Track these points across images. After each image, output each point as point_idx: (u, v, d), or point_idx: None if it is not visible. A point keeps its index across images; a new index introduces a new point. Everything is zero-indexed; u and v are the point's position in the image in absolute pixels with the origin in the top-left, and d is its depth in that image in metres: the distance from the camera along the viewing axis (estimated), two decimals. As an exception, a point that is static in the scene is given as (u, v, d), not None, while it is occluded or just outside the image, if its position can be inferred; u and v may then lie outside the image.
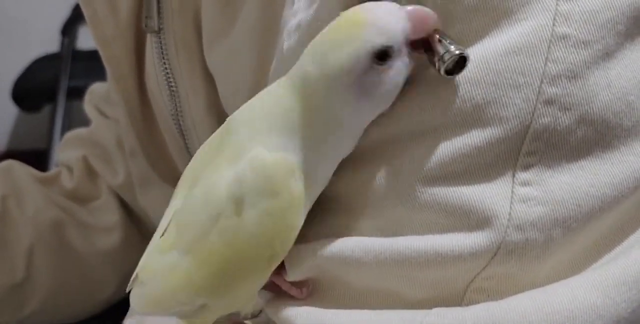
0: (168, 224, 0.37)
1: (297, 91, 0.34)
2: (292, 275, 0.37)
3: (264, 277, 0.36)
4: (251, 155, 0.34)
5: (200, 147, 0.38)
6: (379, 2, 0.33)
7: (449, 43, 0.32)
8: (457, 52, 0.32)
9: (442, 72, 0.32)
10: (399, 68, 0.33)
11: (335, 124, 0.34)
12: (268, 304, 0.39)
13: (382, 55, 0.32)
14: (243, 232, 0.34)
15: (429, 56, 0.33)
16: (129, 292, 0.39)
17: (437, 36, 0.33)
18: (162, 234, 0.37)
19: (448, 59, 0.32)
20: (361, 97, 0.33)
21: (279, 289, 0.38)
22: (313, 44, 0.34)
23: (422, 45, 0.33)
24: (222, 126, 0.37)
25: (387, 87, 0.33)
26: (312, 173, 0.35)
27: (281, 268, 0.38)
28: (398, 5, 0.33)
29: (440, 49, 0.32)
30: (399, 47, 0.33)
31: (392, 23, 0.32)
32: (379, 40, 0.32)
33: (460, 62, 0.33)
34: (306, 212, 0.36)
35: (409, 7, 0.33)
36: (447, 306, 0.35)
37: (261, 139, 0.35)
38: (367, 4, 0.33)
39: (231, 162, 0.35)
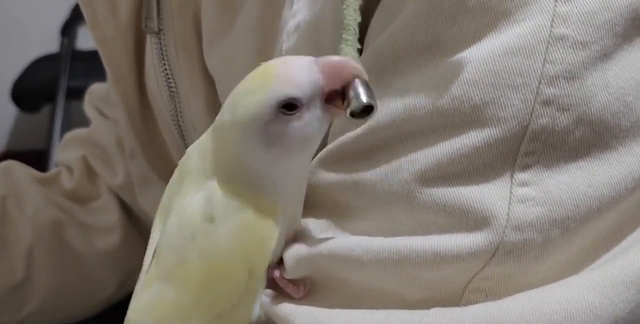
0: (151, 260, 0.38)
1: (214, 138, 0.35)
2: (291, 273, 0.37)
3: (251, 291, 0.36)
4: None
5: (169, 182, 0.39)
6: (297, 56, 0.34)
7: (364, 91, 0.32)
8: (364, 102, 0.32)
9: (347, 115, 0.33)
10: (309, 120, 0.33)
11: (250, 171, 0.34)
12: (268, 303, 0.39)
13: (289, 106, 0.33)
14: (219, 248, 0.35)
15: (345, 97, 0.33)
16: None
17: (356, 81, 0.33)
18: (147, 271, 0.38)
19: (354, 107, 0.32)
20: (269, 146, 0.34)
21: (277, 289, 0.38)
22: (232, 93, 0.35)
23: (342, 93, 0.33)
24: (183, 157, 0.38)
25: (295, 136, 0.34)
26: (280, 189, 0.35)
27: (280, 265, 0.38)
28: (314, 59, 0.33)
29: (351, 94, 0.33)
30: (308, 99, 0.33)
31: (302, 76, 0.33)
32: (285, 91, 0.33)
33: (368, 110, 0.33)
34: (289, 224, 0.37)
35: (323, 59, 0.33)
36: (445, 306, 0.35)
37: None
38: (285, 56, 0.35)
39: (197, 186, 0.36)
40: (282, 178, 0.35)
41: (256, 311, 0.37)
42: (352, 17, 0.35)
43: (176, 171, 0.39)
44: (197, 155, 0.37)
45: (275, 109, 0.33)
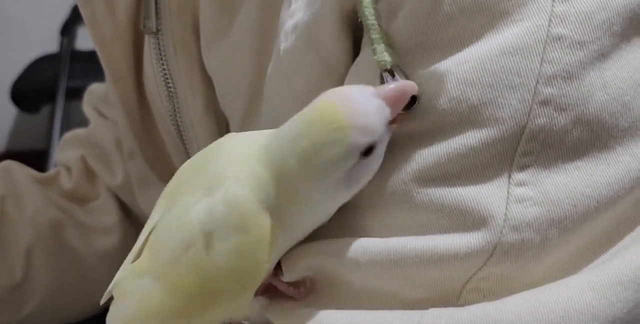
0: (145, 241, 0.38)
1: (273, 173, 0.34)
2: (289, 275, 0.37)
3: (241, 301, 0.36)
4: (225, 188, 0.35)
5: (188, 161, 0.38)
6: (352, 90, 0.33)
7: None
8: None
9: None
10: (382, 151, 0.34)
11: (308, 208, 0.35)
12: (267, 306, 0.39)
13: (368, 151, 0.33)
14: (212, 266, 0.35)
15: None
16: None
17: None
18: (140, 251, 0.38)
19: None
20: (349, 188, 0.34)
21: (276, 291, 0.38)
22: (293, 137, 0.34)
23: None
24: (213, 144, 0.38)
25: (373, 170, 0.35)
26: (287, 223, 0.35)
27: (278, 270, 0.38)
28: (372, 90, 0.33)
29: None
30: (381, 137, 0.33)
31: (374, 120, 0.33)
32: (364, 140, 0.33)
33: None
34: (281, 252, 0.37)
35: (385, 90, 0.33)
36: (443, 306, 0.35)
37: (236, 176, 0.35)
38: (340, 91, 0.33)
39: (205, 190, 0.36)
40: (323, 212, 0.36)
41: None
42: (373, 15, 0.35)
43: (206, 149, 0.38)
44: (230, 160, 0.36)
45: (357, 157, 0.33)
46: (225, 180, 0.35)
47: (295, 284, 0.38)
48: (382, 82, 0.34)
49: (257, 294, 0.38)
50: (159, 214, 0.38)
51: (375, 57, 0.34)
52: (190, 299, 0.36)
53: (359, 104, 0.32)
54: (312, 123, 0.33)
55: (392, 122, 0.34)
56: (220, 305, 0.36)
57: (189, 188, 0.37)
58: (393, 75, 0.34)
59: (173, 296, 0.36)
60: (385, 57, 0.35)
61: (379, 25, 0.35)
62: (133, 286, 0.37)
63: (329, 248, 0.36)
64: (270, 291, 0.38)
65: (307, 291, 0.37)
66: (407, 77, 0.34)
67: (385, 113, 0.33)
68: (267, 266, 0.36)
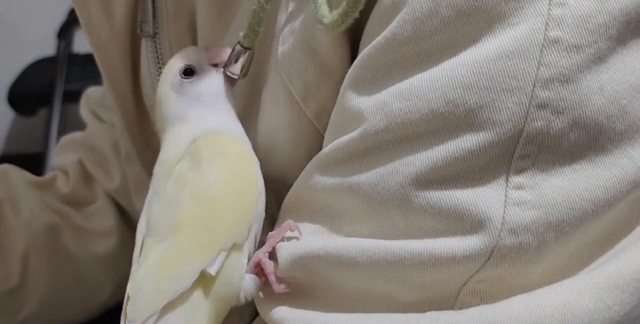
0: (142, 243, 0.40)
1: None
2: (284, 271, 0.38)
3: (246, 229, 0.40)
4: (189, 140, 0.42)
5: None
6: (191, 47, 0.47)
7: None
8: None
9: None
10: (209, 79, 0.44)
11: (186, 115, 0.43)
12: (261, 306, 0.39)
13: (187, 72, 0.44)
14: (210, 188, 0.39)
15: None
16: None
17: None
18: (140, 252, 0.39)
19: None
20: (186, 98, 0.44)
21: (260, 273, 0.39)
22: None
23: None
24: None
25: (200, 91, 0.44)
26: (237, 133, 0.43)
27: (274, 259, 0.38)
28: (196, 47, 0.47)
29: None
30: (200, 67, 0.44)
31: (192, 54, 0.45)
32: (180, 63, 0.44)
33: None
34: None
35: (208, 47, 0.45)
36: (439, 308, 0.35)
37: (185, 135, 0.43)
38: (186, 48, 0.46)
39: (178, 155, 0.42)
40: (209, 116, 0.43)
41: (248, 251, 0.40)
42: None
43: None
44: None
45: (179, 75, 0.44)
46: (183, 145, 0.42)
47: (280, 280, 0.38)
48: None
49: (248, 270, 0.39)
50: (143, 224, 0.41)
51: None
52: (201, 230, 0.38)
53: (185, 49, 0.46)
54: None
55: (216, 65, 0.45)
56: (230, 227, 0.39)
57: (157, 181, 0.42)
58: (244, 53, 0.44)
59: (185, 238, 0.38)
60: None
61: None
62: (144, 268, 0.39)
63: (326, 247, 0.36)
64: (257, 272, 0.39)
65: (287, 289, 0.38)
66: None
67: (203, 54, 0.45)
68: (260, 181, 0.41)
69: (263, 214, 0.41)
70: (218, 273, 0.38)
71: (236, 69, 0.44)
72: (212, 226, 0.39)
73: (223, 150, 0.41)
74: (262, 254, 0.39)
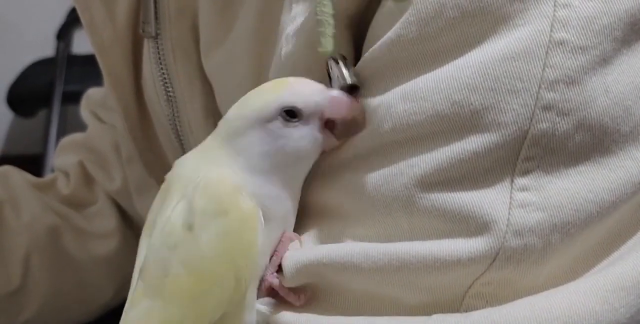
0: (137, 279, 0.37)
1: (221, 134, 0.38)
2: (291, 281, 0.37)
3: (240, 299, 0.36)
4: (199, 176, 0.36)
5: (153, 203, 0.39)
6: (311, 81, 0.38)
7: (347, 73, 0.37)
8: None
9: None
10: (304, 133, 0.37)
11: (252, 158, 0.37)
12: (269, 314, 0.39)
13: (290, 114, 0.36)
14: (202, 256, 0.35)
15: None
16: None
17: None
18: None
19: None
20: (265, 144, 0.37)
21: (277, 294, 0.38)
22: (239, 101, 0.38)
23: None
24: (164, 182, 0.39)
25: (286, 144, 0.37)
26: (265, 194, 0.37)
27: (279, 274, 0.37)
28: (324, 87, 0.37)
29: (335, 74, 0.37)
30: (308, 114, 0.36)
31: (310, 93, 0.36)
32: (290, 100, 0.36)
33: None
34: (279, 230, 0.37)
35: (334, 92, 0.37)
36: (445, 311, 0.35)
37: (206, 167, 0.37)
38: (303, 78, 0.38)
39: (180, 195, 0.37)
40: (268, 183, 0.37)
41: (250, 321, 0.37)
42: (327, 12, 0.36)
43: (162, 188, 0.39)
44: (185, 166, 0.38)
45: (277, 111, 0.36)
46: (196, 177, 0.36)
47: (295, 290, 0.37)
48: (327, 68, 0.37)
49: (259, 295, 0.38)
50: (144, 248, 0.38)
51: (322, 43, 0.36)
52: (188, 305, 0.35)
53: (307, 82, 0.37)
54: (265, 84, 0.38)
55: (329, 126, 0.37)
56: (222, 305, 0.36)
57: (163, 208, 0.37)
58: (337, 63, 0.37)
59: (174, 308, 0.35)
60: (329, 46, 0.36)
61: (327, 21, 0.37)
62: (130, 319, 0.36)
63: (330, 254, 0.36)
64: (273, 296, 0.38)
65: (306, 299, 0.37)
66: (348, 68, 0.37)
67: (323, 101, 0.36)
68: (257, 247, 0.36)
69: (269, 253, 0.38)
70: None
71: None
72: (200, 299, 0.35)
73: (221, 204, 0.36)
74: (270, 276, 0.37)
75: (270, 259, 0.38)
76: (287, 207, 0.38)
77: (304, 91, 0.37)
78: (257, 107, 0.37)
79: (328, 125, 0.37)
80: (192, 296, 0.35)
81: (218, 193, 0.36)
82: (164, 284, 0.36)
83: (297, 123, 0.36)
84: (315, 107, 0.36)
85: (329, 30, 0.36)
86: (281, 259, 0.38)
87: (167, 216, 0.37)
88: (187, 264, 0.35)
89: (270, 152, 0.37)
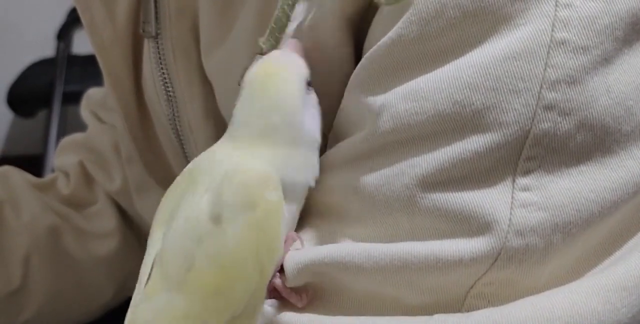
0: (150, 272, 0.37)
1: (254, 141, 0.38)
2: (292, 281, 0.37)
3: (261, 293, 0.36)
4: (227, 168, 0.36)
5: (165, 195, 0.39)
6: (279, 52, 0.39)
7: None
8: None
9: None
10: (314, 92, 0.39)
11: (294, 134, 0.38)
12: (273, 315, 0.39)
13: (309, 83, 0.39)
14: (228, 249, 0.35)
15: None
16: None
17: None
18: (146, 283, 0.37)
19: None
20: (306, 113, 0.38)
21: (279, 295, 0.38)
22: (239, 107, 0.39)
23: None
24: (182, 174, 0.39)
25: (317, 106, 0.39)
26: (289, 181, 0.37)
27: (281, 274, 0.37)
28: (285, 51, 0.39)
29: None
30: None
31: (299, 60, 0.39)
32: (304, 71, 0.38)
33: None
34: (294, 221, 0.37)
35: (288, 48, 0.39)
36: (447, 311, 0.35)
37: (237, 157, 0.37)
38: (268, 57, 0.39)
39: (206, 185, 0.36)
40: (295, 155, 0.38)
41: (259, 321, 0.37)
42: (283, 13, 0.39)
43: (179, 179, 0.39)
44: (211, 159, 0.38)
45: (304, 87, 0.38)
46: (224, 170, 0.36)
47: (297, 290, 0.37)
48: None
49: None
50: (157, 240, 0.37)
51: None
52: (212, 298, 0.35)
53: (285, 55, 0.39)
54: (259, 83, 0.38)
55: None
56: (243, 299, 0.36)
57: (187, 197, 0.37)
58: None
59: (196, 302, 0.35)
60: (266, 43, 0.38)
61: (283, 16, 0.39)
62: (147, 311, 0.36)
63: (332, 254, 0.36)
64: (274, 296, 0.38)
65: (308, 299, 0.37)
66: None
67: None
68: (281, 242, 0.36)
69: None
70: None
71: None
72: (224, 293, 0.35)
73: (252, 200, 0.36)
74: (274, 278, 0.37)
75: None
76: (307, 180, 0.38)
77: (295, 61, 0.39)
78: (289, 91, 0.38)
79: None
80: (216, 290, 0.35)
81: (246, 185, 0.36)
82: (186, 278, 0.35)
83: (310, 89, 0.39)
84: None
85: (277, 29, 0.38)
86: (283, 259, 0.38)
87: (191, 209, 0.36)
88: (213, 258, 0.35)
89: (317, 124, 0.38)
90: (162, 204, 0.39)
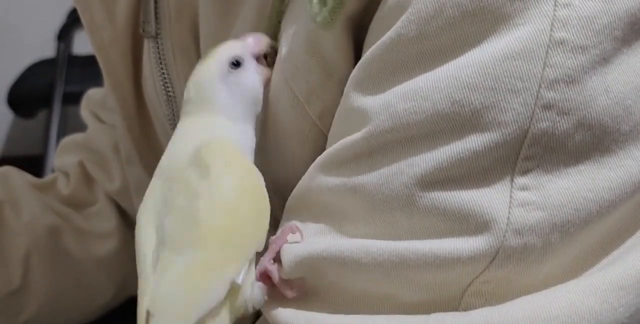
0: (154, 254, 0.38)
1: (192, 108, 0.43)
2: (289, 272, 0.37)
3: (263, 228, 0.39)
4: (199, 145, 0.40)
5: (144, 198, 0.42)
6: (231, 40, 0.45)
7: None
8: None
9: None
10: (249, 73, 0.43)
11: (229, 111, 0.43)
12: (265, 307, 0.39)
13: (235, 64, 0.43)
14: (227, 197, 0.38)
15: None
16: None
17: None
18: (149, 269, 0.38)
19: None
20: (226, 88, 0.43)
21: (269, 281, 0.38)
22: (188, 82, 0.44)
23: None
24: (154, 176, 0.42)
25: (243, 83, 0.43)
26: (248, 138, 0.43)
27: (278, 264, 0.38)
28: (242, 38, 0.44)
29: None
30: (244, 58, 0.43)
31: (238, 45, 0.44)
32: (230, 54, 0.43)
33: None
34: None
35: (250, 36, 0.44)
36: (444, 309, 0.35)
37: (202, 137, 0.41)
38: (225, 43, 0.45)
39: (190, 165, 0.40)
40: (246, 128, 0.43)
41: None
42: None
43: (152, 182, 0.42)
44: (177, 148, 0.42)
45: (226, 65, 0.43)
46: (197, 148, 0.40)
47: (290, 283, 0.38)
48: None
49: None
50: (149, 236, 0.39)
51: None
52: (227, 243, 0.37)
53: (230, 41, 0.44)
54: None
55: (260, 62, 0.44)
56: (252, 242, 0.38)
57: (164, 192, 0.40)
58: None
59: (211, 252, 0.37)
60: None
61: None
62: (167, 283, 0.37)
63: (330, 248, 0.36)
64: (266, 281, 0.39)
65: (299, 293, 0.37)
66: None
67: (246, 45, 0.44)
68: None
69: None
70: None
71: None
72: (236, 237, 0.38)
73: (230, 161, 0.40)
74: (267, 262, 0.38)
75: (270, 244, 0.39)
76: (249, 147, 0.43)
77: (233, 45, 0.44)
78: (210, 72, 0.43)
79: (259, 61, 0.44)
80: (227, 236, 0.37)
81: (223, 152, 0.41)
82: (196, 235, 0.37)
83: (241, 68, 0.43)
84: (243, 52, 0.44)
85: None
86: (280, 247, 0.38)
87: (179, 178, 0.40)
88: (215, 209, 0.38)
89: (239, 98, 0.43)
90: (143, 206, 0.41)
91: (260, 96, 0.44)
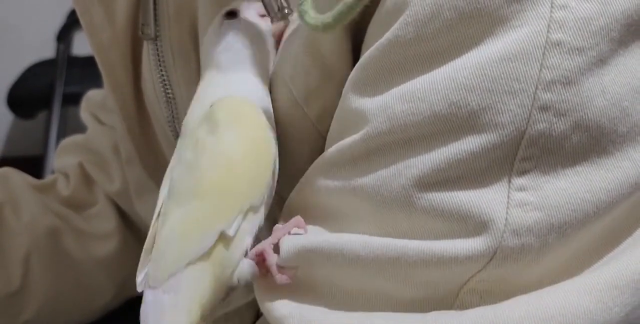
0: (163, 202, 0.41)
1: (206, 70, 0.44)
2: (285, 260, 0.38)
3: (261, 184, 0.40)
4: (212, 102, 0.42)
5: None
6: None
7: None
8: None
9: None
10: (246, 19, 0.44)
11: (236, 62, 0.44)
12: (261, 302, 0.39)
13: (230, 14, 0.44)
14: (229, 150, 0.40)
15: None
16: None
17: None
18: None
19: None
20: (222, 39, 0.44)
21: (262, 262, 0.39)
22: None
23: None
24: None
25: (240, 31, 0.44)
26: (260, 90, 0.43)
27: (276, 252, 0.38)
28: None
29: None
30: (241, 10, 0.44)
31: (241, 2, 0.45)
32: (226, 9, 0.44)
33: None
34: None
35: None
36: (439, 307, 0.35)
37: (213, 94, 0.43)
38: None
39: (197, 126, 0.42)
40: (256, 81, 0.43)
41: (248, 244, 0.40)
42: None
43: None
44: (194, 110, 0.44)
45: (220, 17, 0.44)
46: (210, 104, 0.42)
47: (282, 270, 0.38)
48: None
49: (250, 256, 0.40)
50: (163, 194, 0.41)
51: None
52: (223, 194, 0.39)
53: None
54: None
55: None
56: (246, 195, 0.40)
57: (182, 147, 0.42)
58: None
59: (207, 201, 0.39)
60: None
61: None
62: (170, 226, 0.39)
63: (330, 239, 0.36)
64: (259, 261, 0.39)
65: (288, 280, 0.38)
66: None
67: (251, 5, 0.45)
68: (274, 147, 0.41)
69: (275, 182, 0.42)
70: (234, 237, 0.39)
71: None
72: (230, 190, 0.39)
73: (239, 116, 0.41)
74: (267, 245, 0.39)
75: (274, 231, 0.40)
76: (263, 98, 0.43)
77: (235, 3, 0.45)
78: (209, 30, 0.44)
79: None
80: (223, 188, 0.39)
81: (233, 108, 0.42)
82: (195, 187, 0.39)
83: (237, 18, 0.44)
84: (242, 4, 0.44)
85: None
86: (283, 235, 0.39)
87: (190, 136, 0.41)
88: (216, 163, 0.40)
89: (240, 46, 0.43)
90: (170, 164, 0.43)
91: (266, 43, 0.44)
